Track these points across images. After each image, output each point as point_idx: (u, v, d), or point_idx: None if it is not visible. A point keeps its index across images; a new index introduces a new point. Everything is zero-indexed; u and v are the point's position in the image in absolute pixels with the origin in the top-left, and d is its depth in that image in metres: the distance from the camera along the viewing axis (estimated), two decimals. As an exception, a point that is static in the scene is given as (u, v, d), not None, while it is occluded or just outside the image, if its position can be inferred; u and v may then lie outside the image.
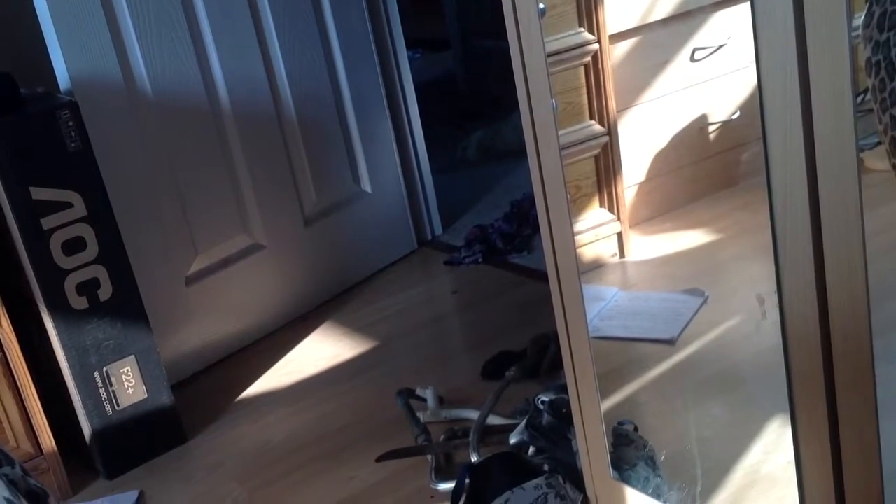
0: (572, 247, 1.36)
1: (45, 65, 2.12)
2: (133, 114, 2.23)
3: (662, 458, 1.49)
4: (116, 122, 2.20)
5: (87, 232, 1.96)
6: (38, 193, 1.91)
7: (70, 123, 1.94)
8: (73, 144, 1.94)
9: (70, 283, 1.96)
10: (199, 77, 2.35)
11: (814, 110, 0.94)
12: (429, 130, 2.96)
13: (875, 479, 1.00)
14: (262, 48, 2.47)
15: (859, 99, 1.19)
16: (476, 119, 3.68)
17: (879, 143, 1.19)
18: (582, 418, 1.47)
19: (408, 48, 2.90)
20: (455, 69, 4.02)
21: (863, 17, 1.14)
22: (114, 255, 2.00)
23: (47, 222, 1.92)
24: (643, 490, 1.42)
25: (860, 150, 1.31)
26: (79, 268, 1.96)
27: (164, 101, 2.29)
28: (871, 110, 1.17)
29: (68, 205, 1.94)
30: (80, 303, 1.97)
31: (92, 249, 1.97)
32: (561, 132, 1.59)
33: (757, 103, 0.99)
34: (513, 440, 1.77)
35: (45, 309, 1.95)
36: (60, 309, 1.96)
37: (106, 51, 2.17)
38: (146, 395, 2.08)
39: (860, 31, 1.14)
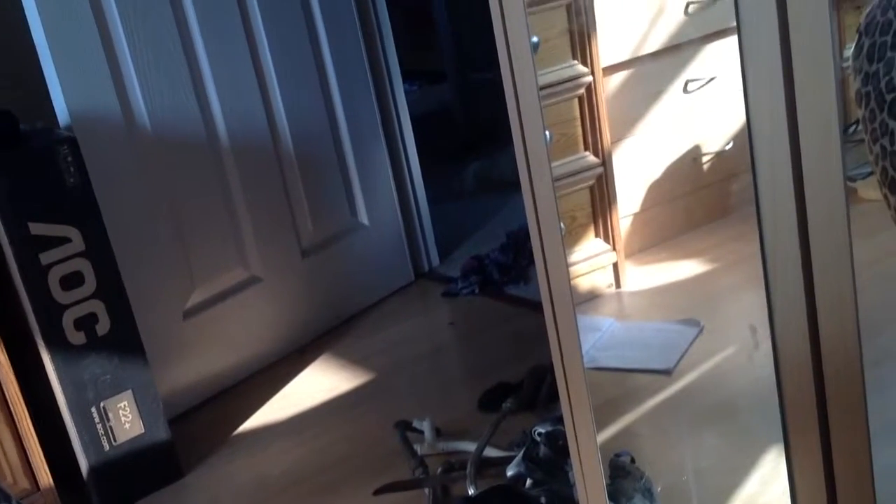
0: (566, 278, 1.37)
1: (44, 100, 2.14)
2: (132, 149, 2.25)
3: (659, 489, 1.49)
4: (115, 157, 2.21)
5: (85, 267, 1.97)
6: (37, 229, 1.92)
7: (69, 159, 1.95)
8: (71, 180, 1.95)
9: (68, 318, 1.96)
10: (198, 112, 2.37)
11: (801, 142, 0.95)
12: (425, 162, 2.97)
13: (870, 508, 1.00)
14: (260, 82, 2.49)
15: (850, 129, 1.20)
16: (472, 151, 3.71)
17: (872, 173, 1.20)
18: (578, 450, 1.46)
19: (404, 81, 2.92)
20: (451, 101, 4.04)
21: (853, 49, 1.15)
22: (112, 289, 2.01)
23: (46, 257, 1.93)
24: (640, 522, 1.41)
25: (852, 180, 1.32)
26: (77, 303, 1.97)
27: (163, 136, 2.31)
28: (862, 140, 1.19)
29: (66, 240, 1.95)
30: (77, 338, 1.97)
31: (90, 284, 1.98)
32: (555, 163, 1.60)
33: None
34: (510, 472, 1.77)
35: (42, 344, 1.96)
36: (58, 344, 1.96)
37: (105, 86, 2.19)
38: (143, 430, 2.07)
39: (850, 63, 1.15)
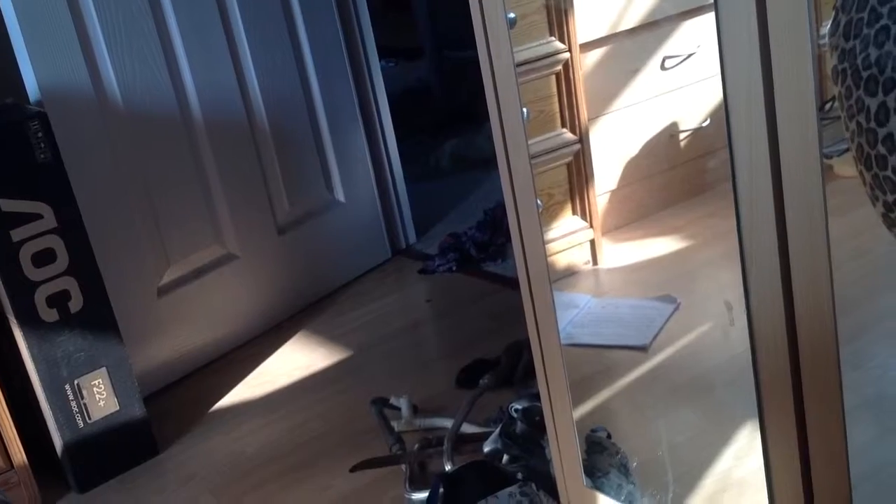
0: (543, 255, 1.37)
1: (13, 76, 2.10)
2: (103, 124, 2.22)
3: (635, 464, 1.50)
4: (87, 132, 2.19)
5: (57, 243, 1.95)
6: (8, 205, 1.89)
7: (39, 135, 1.92)
8: (42, 156, 1.93)
9: (40, 296, 1.94)
10: (171, 87, 2.34)
11: (778, 119, 0.95)
12: (402, 139, 2.96)
13: (843, 482, 1.01)
14: (234, 58, 2.46)
15: (827, 106, 1.20)
16: (450, 128, 3.69)
17: (847, 150, 1.20)
18: (555, 426, 1.47)
19: (381, 58, 2.90)
20: (428, 78, 4.03)
21: (829, 26, 1.15)
22: (84, 266, 1.99)
23: (17, 234, 1.90)
24: (616, 497, 1.42)
25: (828, 157, 1.32)
26: (49, 280, 1.95)
27: (135, 112, 2.28)
28: (838, 117, 1.19)
29: (38, 216, 1.93)
30: (50, 315, 1.96)
31: (62, 261, 1.96)
32: (532, 140, 1.60)
33: (725, 111, 1.00)
34: (487, 448, 1.77)
35: (14, 321, 1.94)
36: (30, 321, 1.94)
37: (76, 61, 2.15)
38: (118, 408, 2.06)
39: (827, 40, 1.15)
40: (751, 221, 1.01)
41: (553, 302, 1.38)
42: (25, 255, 1.91)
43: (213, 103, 2.42)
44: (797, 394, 1.02)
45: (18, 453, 1.96)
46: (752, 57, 0.94)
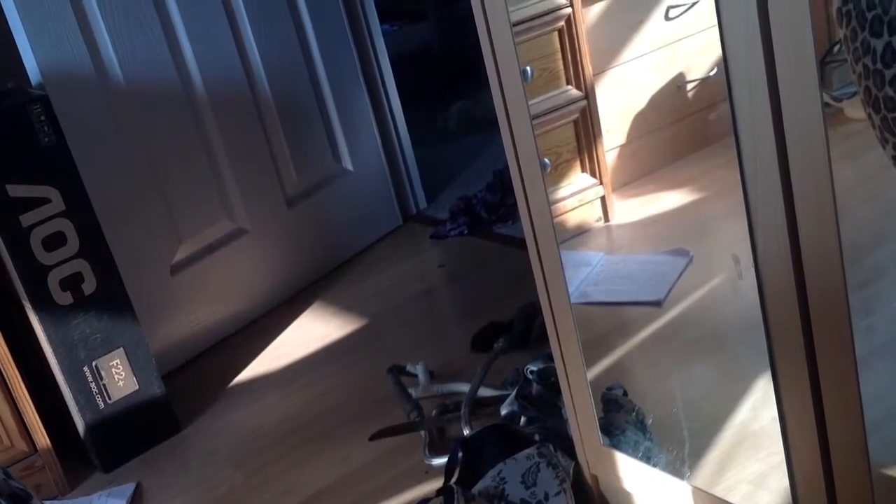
0: (549, 215, 1.36)
1: (13, 60, 2.09)
2: (106, 104, 2.21)
3: (651, 421, 1.49)
4: (90, 113, 2.18)
5: (66, 226, 1.95)
6: (15, 190, 1.89)
7: (42, 118, 1.92)
8: (46, 139, 1.92)
9: (53, 279, 1.95)
10: (172, 63, 2.33)
11: (777, 65, 0.93)
12: (408, 104, 2.93)
13: (858, 429, 1.00)
14: (234, 30, 2.44)
15: (836, 49, 1.18)
16: (455, 90, 3.66)
17: (857, 92, 1.18)
18: (569, 386, 1.47)
19: (382, 21, 2.88)
20: (432, 40, 3.99)
21: (833, -33, 1.12)
22: (95, 248, 1.99)
23: (26, 219, 1.91)
24: (633, 454, 1.42)
25: (838, 100, 1.30)
26: (61, 263, 1.95)
27: (138, 90, 2.27)
28: (845, 60, 1.16)
29: (46, 200, 1.93)
30: (64, 298, 1.96)
31: (73, 244, 1.96)
32: (538, 99, 1.58)
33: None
34: (504, 411, 1.77)
35: (29, 306, 1.94)
36: (45, 305, 1.95)
37: (75, 42, 2.14)
38: (137, 387, 2.07)
39: (830, -19, 1.13)
40: (755, 171, 0.99)
41: (561, 261, 1.37)
42: (36, 239, 1.92)
43: (214, 76, 2.40)
44: (808, 342, 1.01)
45: (41, 437, 1.97)
46: (749, 1, 0.92)
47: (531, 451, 1.56)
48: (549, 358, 1.63)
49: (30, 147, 1.90)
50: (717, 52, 1.66)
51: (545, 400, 1.69)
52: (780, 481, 1.14)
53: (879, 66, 1.03)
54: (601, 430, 1.46)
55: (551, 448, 1.55)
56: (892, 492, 1.10)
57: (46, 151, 1.92)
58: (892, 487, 1.11)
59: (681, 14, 1.68)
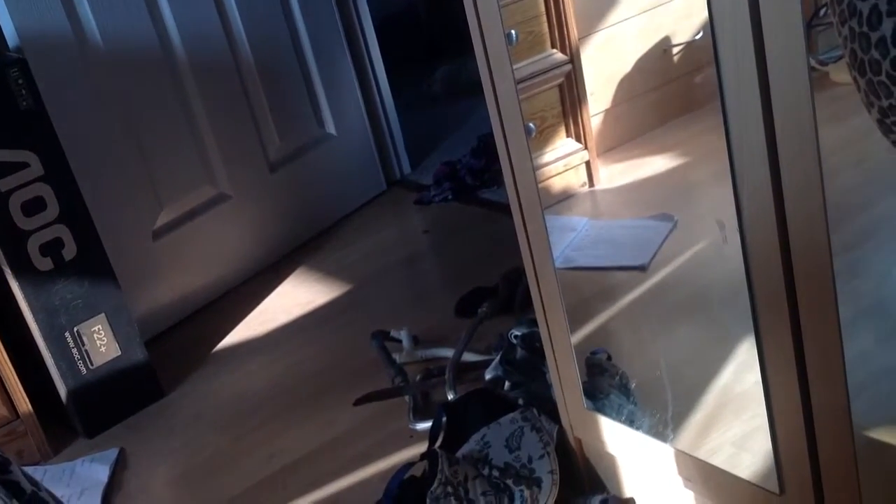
0: (534, 180, 1.35)
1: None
2: (85, 68, 2.18)
3: (635, 385, 1.50)
4: (68, 77, 2.15)
5: (45, 191, 1.93)
6: (-8, 155, 1.87)
7: (20, 81, 1.89)
8: (24, 103, 1.90)
9: (33, 245, 1.93)
10: (152, 26, 2.30)
11: (763, 26, 0.92)
12: (391, 68, 2.91)
13: (841, 391, 1.01)
14: (214, -9, 2.41)
15: (822, 12, 1.17)
16: (440, 54, 3.63)
17: (843, 56, 1.17)
18: (553, 350, 1.47)
19: (366, -17, 2.84)
20: (417, 3, 3.95)
21: (819, -71, 1.11)
22: (75, 213, 1.97)
23: (4, 184, 1.89)
24: (617, 418, 1.42)
25: (824, 63, 1.29)
26: (40, 228, 1.93)
27: (117, 54, 2.24)
28: (831, 23, 1.15)
29: (24, 165, 1.90)
30: (44, 264, 1.95)
31: (52, 209, 1.94)
32: (523, 63, 1.56)
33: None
34: (488, 376, 1.78)
35: (9, 271, 1.93)
36: (25, 271, 1.93)
37: (53, 4, 2.11)
38: (119, 353, 2.06)
39: (817, -57, 1.12)
40: (740, 135, 0.98)
41: (545, 226, 1.37)
42: (15, 204, 1.90)
43: (195, 40, 2.37)
44: (793, 307, 1.01)
45: (23, 402, 1.96)
46: (737, -38, 0.91)
47: (515, 415, 1.56)
48: (534, 323, 1.63)
49: (7, 111, 1.88)
50: (703, 15, 1.65)
51: (529, 364, 1.69)
52: (762, 443, 1.15)
53: (865, 28, 1.02)
54: (585, 393, 1.46)
55: (535, 412, 1.56)
56: (874, 454, 1.11)
57: (24, 116, 1.90)
58: (874, 449, 1.11)
59: (667, -24, 1.66)
